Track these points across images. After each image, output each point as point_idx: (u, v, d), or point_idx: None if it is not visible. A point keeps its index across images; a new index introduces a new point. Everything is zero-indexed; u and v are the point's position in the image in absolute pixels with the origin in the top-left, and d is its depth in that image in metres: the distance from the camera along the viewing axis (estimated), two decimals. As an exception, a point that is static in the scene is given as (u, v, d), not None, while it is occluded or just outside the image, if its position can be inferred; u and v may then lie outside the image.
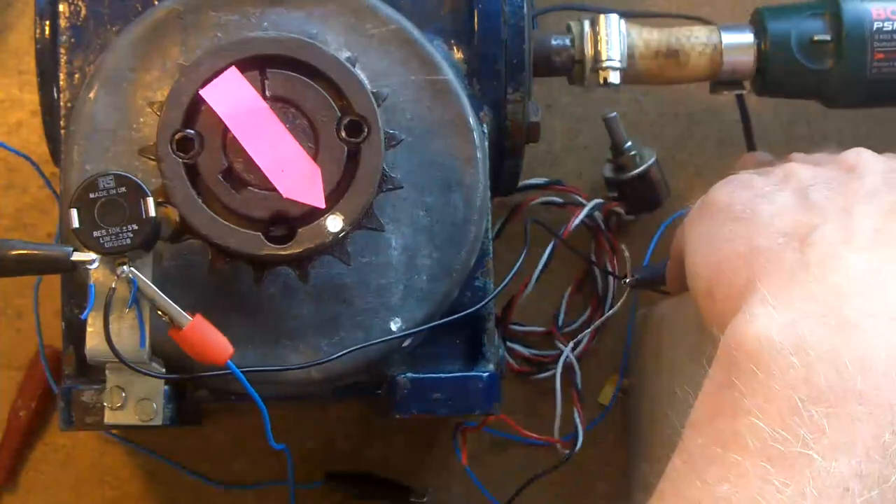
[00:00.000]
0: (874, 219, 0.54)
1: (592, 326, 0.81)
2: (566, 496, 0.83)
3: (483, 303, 0.68)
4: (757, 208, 0.57)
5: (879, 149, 0.84)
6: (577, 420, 0.78)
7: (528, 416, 0.82)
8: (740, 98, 0.81)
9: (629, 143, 0.81)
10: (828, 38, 0.74)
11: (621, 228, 0.84)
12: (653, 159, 0.82)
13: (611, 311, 0.81)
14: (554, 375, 0.79)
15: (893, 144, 0.86)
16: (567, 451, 0.78)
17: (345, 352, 0.63)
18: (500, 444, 0.83)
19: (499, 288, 0.69)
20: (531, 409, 0.83)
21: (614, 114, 0.82)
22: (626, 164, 0.82)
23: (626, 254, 0.79)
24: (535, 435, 0.78)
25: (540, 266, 0.79)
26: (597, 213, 0.82)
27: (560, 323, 0.82)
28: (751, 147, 0.82)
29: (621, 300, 0.80)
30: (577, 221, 0.79)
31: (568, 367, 0.80)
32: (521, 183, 0.80)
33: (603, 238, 0.82)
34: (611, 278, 0.82)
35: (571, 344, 0.80)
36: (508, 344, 0.81)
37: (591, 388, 0.84)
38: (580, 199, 0.81)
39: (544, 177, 0.83)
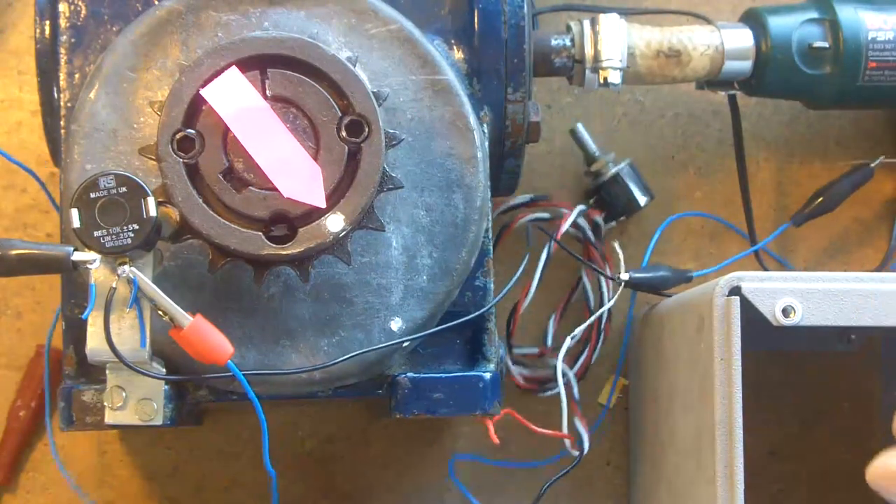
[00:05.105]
0: None
1: (586, 354, 0.80)
2: (566, 495, 0.83)
3: (488, 307, 0.68)
4: None
5: (878, 150, 0.85)
6: (580, 427, 0.77)
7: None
8: (732, 98, 0.81)
9: (598, 151, 0.82)
10: (826, 45, 0.75)
11: (607, 236, 0.83)
12: (624, 163, 0.82)
13: (602, 339, 0.81)
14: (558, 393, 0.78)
15: (893, 144, 0.87)
16: (577, 453, 0.77)
17: (348, 356, 0.63)
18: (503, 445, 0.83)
19: (503, 292, 0.69)
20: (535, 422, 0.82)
21: (578, 124, 0.83)
22: (598, 170, 0.82)
23: (619, 252, 0.79)
24: (542, 430, 0.77)
25: (538, 274, 0.79)
26: (584, 224, 0.81)
27: (549, 343, 0.82)
28: (740, 146, 0.82)
29: (613, 299, 0.79)
30: (566, 226, 0.79)
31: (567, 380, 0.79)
32: (508, 203, 0.80)
33: (592, 248, 0.81)
34: (603, 291, 0.81)
35: (561, 360, 0.77)
36: (510, 365, 0.80)
37: (592, 387, 0.84)
38: (567, 211, 0.81)
39: (539, 184, 0.83)
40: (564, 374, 0.77)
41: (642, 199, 0.83)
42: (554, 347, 0.81)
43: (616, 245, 0.80)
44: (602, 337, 0.81)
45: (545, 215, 0.82)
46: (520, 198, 0.82)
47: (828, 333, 0.75)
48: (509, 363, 0.81)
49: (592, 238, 0.81)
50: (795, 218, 0.83)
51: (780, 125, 0.87)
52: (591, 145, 0.83)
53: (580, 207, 0.80)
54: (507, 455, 0.82)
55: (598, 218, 0.82)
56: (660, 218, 0.85)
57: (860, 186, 0.82)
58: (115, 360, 0.58)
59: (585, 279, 0.82)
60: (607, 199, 0.82)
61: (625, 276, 0.76)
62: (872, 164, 0.82)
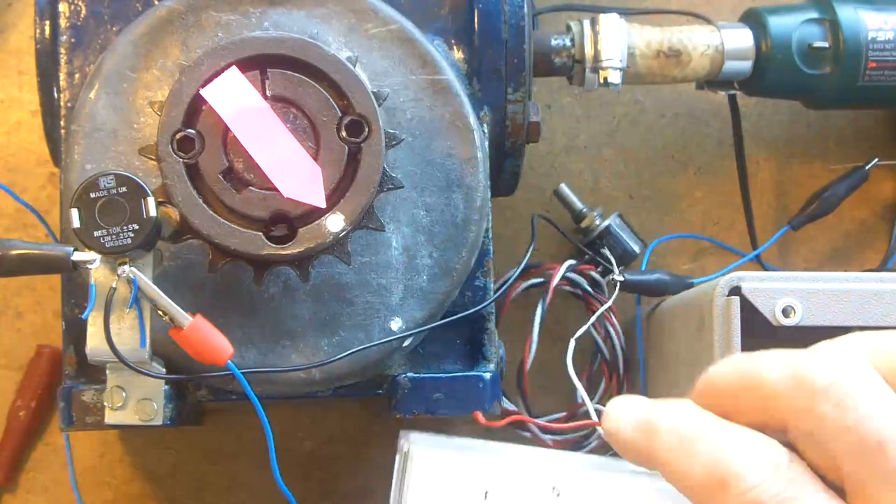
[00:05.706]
0: None
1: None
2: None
3: (486, 303, 0.68)
4: None
5: (877, 150, 0.85)
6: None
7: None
8: (732, 98, 0.81)
9: (585, 208, 0.82)
10: (826, 45, 0.75)
11: (605, 288, 0.82)
12: (613, 216, 0.82)
13: (624, 386, 0.81)
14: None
15: (892, 144, 0.87)
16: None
17: (347, 353, 0.63)
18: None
19: (502, 289, 0.69)
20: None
21: (562, 185, 0.83)
22: (588, 226, 0.82)
23: (610, 255, 0.79)
24: (566, 424, 0.76)
25: (536, 328, 0.78)
26: (580, 280, 0.80)
27: (578, 399, 0.80)
28: (740, 146, 0.82)
29: (611, 300, 0.78)
30: (556, 280, 0.77)
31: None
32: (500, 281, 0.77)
33: (593, 300, 0.80)
34: (614, 342, 0.80)
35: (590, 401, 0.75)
36: (541, 435, 0.78)
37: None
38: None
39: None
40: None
41: (637, 248, 0.82)
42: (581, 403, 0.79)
43: (606, 251, 0.80)
44: (624, 386, 0.80)
45: (539, 280, 0.80)
46: (510, 272, 0.79)
47: (828, 333, 0.75)
48: (538, 432, 0.78)
49: (591, 291, 0.80)
50: (793, 222, 0.83)
51: (780, 125, 0.87)
52: (577, 203, 0.83)
53: (569, 262, 0.79)
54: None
55: (595, 273, 0.81)
56: (659, 219, 0.85)
57: (855, 189, 0.82)
58: (115, 360, 0.57)
59: (595, 334, 0.80)
60: (602, 253, 0.82)
61: (619, 276, 0.76)
62: (867, 167, 0.82)
